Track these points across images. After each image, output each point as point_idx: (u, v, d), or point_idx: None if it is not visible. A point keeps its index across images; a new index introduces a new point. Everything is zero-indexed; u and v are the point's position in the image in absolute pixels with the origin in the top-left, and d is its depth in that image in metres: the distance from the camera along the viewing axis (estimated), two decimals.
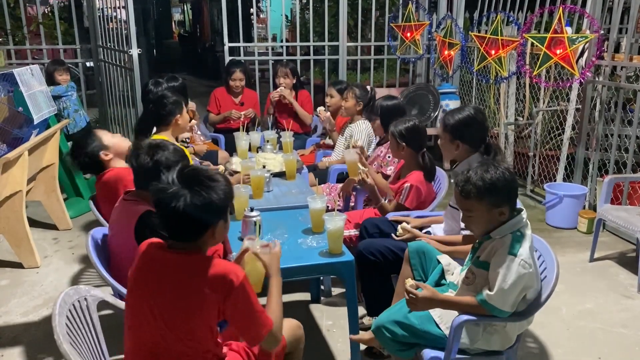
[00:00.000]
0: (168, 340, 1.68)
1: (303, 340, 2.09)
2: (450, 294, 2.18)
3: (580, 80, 4.42)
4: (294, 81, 5.12)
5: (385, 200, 3.18)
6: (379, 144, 3.83)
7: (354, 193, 3.60)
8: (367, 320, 2.89)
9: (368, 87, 4.36)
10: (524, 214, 2.06)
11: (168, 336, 1.67)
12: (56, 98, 5.06)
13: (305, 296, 3.35)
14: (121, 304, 2.07)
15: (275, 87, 5.26)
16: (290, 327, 2.02)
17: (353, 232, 3.10)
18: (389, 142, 3.48)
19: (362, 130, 4.07)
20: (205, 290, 1.62)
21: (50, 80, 5.15)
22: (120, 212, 2.34)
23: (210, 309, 1.65)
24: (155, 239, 1.78)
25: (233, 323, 1.73)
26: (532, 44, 4.46)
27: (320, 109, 4.66)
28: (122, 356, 2.64)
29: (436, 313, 2.11)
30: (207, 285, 1.63)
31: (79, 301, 1.85)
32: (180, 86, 4.05)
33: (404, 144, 3.05)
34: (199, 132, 4.54)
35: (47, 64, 5.31)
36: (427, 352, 2.08)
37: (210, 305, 1.64)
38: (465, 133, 2.61)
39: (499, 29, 4.70)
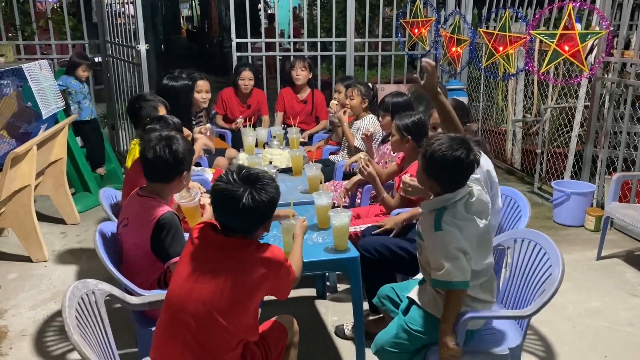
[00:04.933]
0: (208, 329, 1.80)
1: (298, 333, 2.18)
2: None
3: (590, 77, 4.39)
4: (310, 76, 5.08)
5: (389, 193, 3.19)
6: (383, 141, 3.82)
7: (360, 190, 3.59)
8: (372, 319, 2.90)
9: (370, 84, 4.34)
10: (458, 193, 2.04)
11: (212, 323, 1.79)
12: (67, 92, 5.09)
13: (311, 292, 3.36)
14: (128, 299, 2.09)
15: (284, 82, 5.21)
16: (287, 322, 2.14)
17: (359, 228, 3.10)
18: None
19: (368, 125, 4.06)
20: (262, 271, 1.81)
21: (71, 72, 5.18)
22: (139, 210, 2.32)
23: (263, 288, 1.84)
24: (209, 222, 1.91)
25: (274, 291, 1.93)
26: (541, 40, 4.43)
27: (333, 102, 4.65)
28: (128, 350, 2.67)
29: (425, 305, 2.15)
30: (264, 266, 1.82)
31: (87, 294, 1.87)
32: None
33: (409, 137, 3.05)
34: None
35: (73, 55, 5.33)
36: (431, 349, 2.10)
37: (263, 285, 1.83)
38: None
39: (507, 25, 4.68)
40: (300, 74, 4.99)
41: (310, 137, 4.96)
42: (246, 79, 4.98)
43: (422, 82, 2.39)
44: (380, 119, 3.76)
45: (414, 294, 2.22)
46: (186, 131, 3.59)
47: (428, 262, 2.11)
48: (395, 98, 3.65)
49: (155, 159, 2.30)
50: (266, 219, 1.88)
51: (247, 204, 1.76)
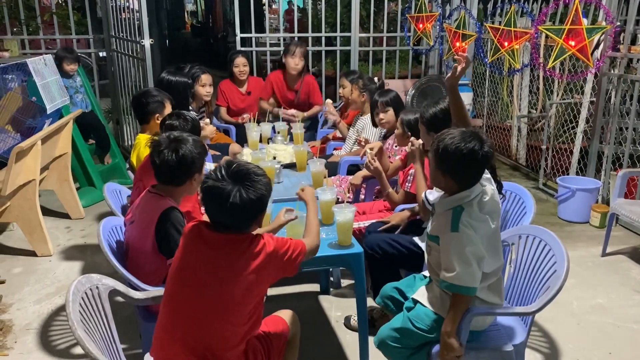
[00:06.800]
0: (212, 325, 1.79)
1: (299, 328, 2.18)
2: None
3: (595, 73, 4.36)
4: (303, 64, 4.90)
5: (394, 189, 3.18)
6: (384, 137, 3.81)
7: (364, 185, 3.59)
8: (375, 314, 2.90)
9: (376, 79, 4.32)
10: (472, 191, 2.01)
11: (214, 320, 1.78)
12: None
13: (315, 287, 3.36)
14: (132, 293, 2.09)
15: (279, 66, 5.09)
16: (289, 317, 2.14)
17: (363, 224, 3.09)
18: (393, 133, 3.48)
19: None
20: (258, 264, 1.79)
21: (58, 68, 5.18)
22: (145, 205, 2.32)
23: (262, 280, 1.82)
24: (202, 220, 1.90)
25: (279, 275, 1.90)
26: (546, 35, 4.41)
27: (328, 101, 4.64)
28: (133, 345, 2.67)
29: (430, 305, 2.13)
30: (258, 259, 1.79)
31: (90, 289, 1.87)
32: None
33: (409, 133, 3.06)
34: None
35: (58, 50, 5.32)
36: (435, 347, 2.08)
37: (262, 277, 1.81)
38: (438, 125, 2.63)
39: (513, 20, 4.65)
40: (299, 64, 4.82)
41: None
42: (240, 65, 4.97)
43: (457, 73, 2.37)
44: (382, 113, 3.76)
45: (420, 296, 2.19)
46: (210, 128, 3.57)
47: (438, 263, 2.08)
48: (382, 97, 3.66)
49: (162, 164, 2.28)
50: (257, 216, 1.84)
51: (234, 202, 1.73)
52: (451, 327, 1.99)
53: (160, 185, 2.35)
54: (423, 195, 2.56)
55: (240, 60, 4.98)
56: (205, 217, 1.91)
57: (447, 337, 1.99)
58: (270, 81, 5.00)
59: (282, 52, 4.96)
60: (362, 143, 3.38)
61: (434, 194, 2.47)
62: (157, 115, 3.20)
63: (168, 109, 3.27)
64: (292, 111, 4.83)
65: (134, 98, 3.37)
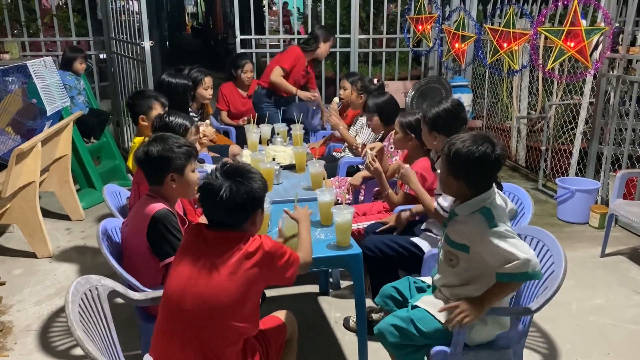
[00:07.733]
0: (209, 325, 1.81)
1: (297, 328, 2.19)
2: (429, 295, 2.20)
3: (594, 74, 4.37)
4: None
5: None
6: (380, 140, 3.82)
7: (363, 186, 3.60)
8: (375, 316, 2.91)
9: (375, 80, 4.33)
10: (491, 193, 2.02)
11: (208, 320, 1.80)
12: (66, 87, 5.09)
13: (314, 288, 3.37)
14: (131, 294, 2.10)
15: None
16: (286, 317, 2.15)
17: (362, 225, 3.10)
18: (389, 135, 3.49)
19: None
20: (253, 264, 1.82)
21: (68, 67, 5.20)
22: (138, 207, 2.33)
23: (257, 280, 1.84)
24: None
25: (273, 281, 1.94)
26: (545, 37, 4.41)
27: (335, 100, 4.64)
28: (132, 346, 2.68)
29: (441, 316, 2.08)
30: (253, 259, 1.82)
31: (90, 290, 1.88)
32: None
33: (412, 135, 3.06)
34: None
35: (67, 49, 5.36)
36: (434, 348, 2.08)
37: (257, 277, 1.83)
38: (440, 125, 2.68)
39: (512, 21, 4.66)
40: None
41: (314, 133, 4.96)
42: (248, 71, 5.07)
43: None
44: (368, 121, 3.76)
45: (427, 305, 2.15)
46: (209, 129, 3.57)
47: (466, 274, 2.04)
48: (378, 99, 3.67)
49: (138, 162, 2.34)
50: (250, 213, 1.86)
51: (225, 196, 1.78)
52: (482, 306, 1.95)
53: (153, 187, 2.36)
54: (435, 204, 2.58)
55: (249, 67, 5.08)
56: (201, 219, 1.93)
57: (474, 307, 1.94)
58: (297, 59, 4.94)
59: (318, 38, 4.98)
60: (360, 149, 3.40)
61: (447, 199, 2.48)
62: (143, 116, 3.17)
63: (157, 111, 3.19)
64: (317, 93, 5.09)
65: (128, 99, 3.38)
